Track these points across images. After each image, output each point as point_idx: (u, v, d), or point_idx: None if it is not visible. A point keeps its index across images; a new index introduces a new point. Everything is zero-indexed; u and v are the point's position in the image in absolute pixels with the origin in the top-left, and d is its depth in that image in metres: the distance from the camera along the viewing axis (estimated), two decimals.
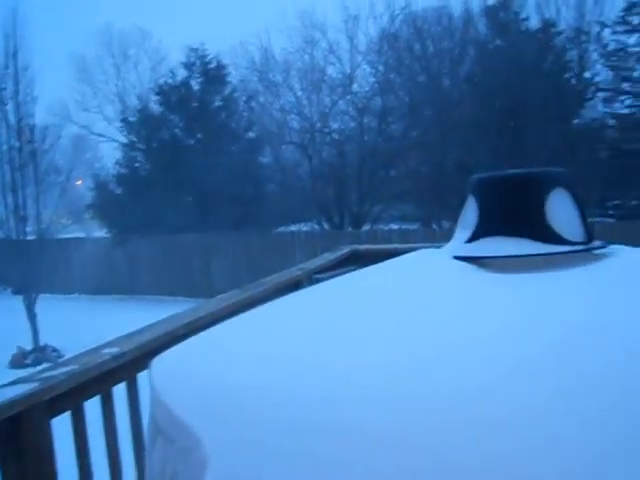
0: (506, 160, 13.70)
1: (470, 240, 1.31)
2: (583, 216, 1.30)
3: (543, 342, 0.92)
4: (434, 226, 17.20)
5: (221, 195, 18.11)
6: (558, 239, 1.24)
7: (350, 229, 18.40)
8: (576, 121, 18.51)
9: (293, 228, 19.03)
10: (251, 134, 20.89)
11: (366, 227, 18.33)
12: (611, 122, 19.07)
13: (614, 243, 1.37)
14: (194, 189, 18.42)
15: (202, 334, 1.20)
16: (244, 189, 18.52)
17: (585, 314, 1.01)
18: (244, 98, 20.87)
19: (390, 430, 0.80)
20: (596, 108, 18.87)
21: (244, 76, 20.88)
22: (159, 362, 1.17)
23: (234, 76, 20.86)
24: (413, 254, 1.43)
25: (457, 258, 1.29)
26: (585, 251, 1.25)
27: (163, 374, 1.12)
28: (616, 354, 0.87)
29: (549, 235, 1.23)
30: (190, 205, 18.73)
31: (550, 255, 1.21)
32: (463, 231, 1.35)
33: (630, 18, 18.94)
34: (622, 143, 19.01)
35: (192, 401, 0.97)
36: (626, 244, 1.38)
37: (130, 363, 2.19)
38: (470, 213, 1.34)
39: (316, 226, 19.30)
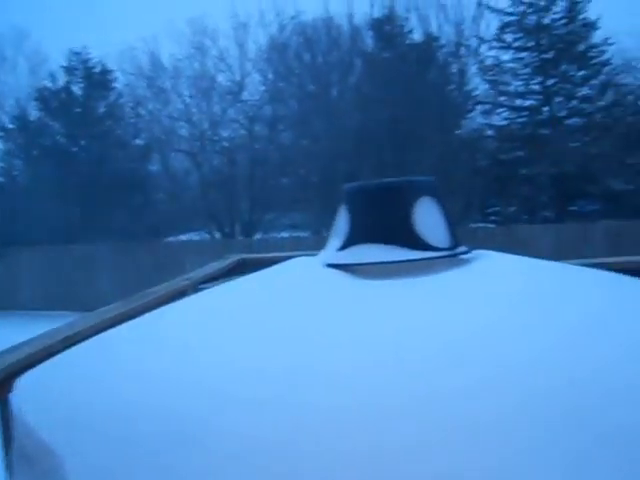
0: (393, 169, 14.11)
1: (342, 248, 1.34)
2: (449, 223, 1.35)
3: (405, 344, 0.95)
4: (325, 234, 17.46)
5: (108, 204, 17.53)
6: (425, 245, 1.28)
7: (241, 238, 18.31)
8: (458, 132, 19.35)
9: (183, 238, 18.70)
10: (139, 141, 20.37)
11: (258, 235, 18.31)
12: (490, 133, 20.09)
13: (495, 247, 1.44)
14: (79, 198, 17.72)
15: (67, 352, 1.15)
16: (132, 198, 18.03)
17: (447, 316, 1.06)
18: (131, 104, 20.33)
19: (261, 437, 0.81)
20: (476, 120, 19.84)
21: (131, 82, 20.35)
22: (22, 381, 1.12)
23: (121, 81, 20.31)
24: (287, 263, 1.45)
25: (329, 266, 1.31)
26: (450, 256, 1.31)
27: (25, 394, 1.07)
28: (467, 349, 0.91)
29: (416, 242, 1.28)
30: (75, 215, 18.00)
31: (417, 261, 1.26)
32: (335, 239, 1.38)
33: (504, 36, 20.08)
34: (500, 153, 20.07)
35: (54, 421, 0.93)
36: (506, 248, 1.45)
37: None
38: (342, 222, 1.37)
39: (207, 235, 19.07)
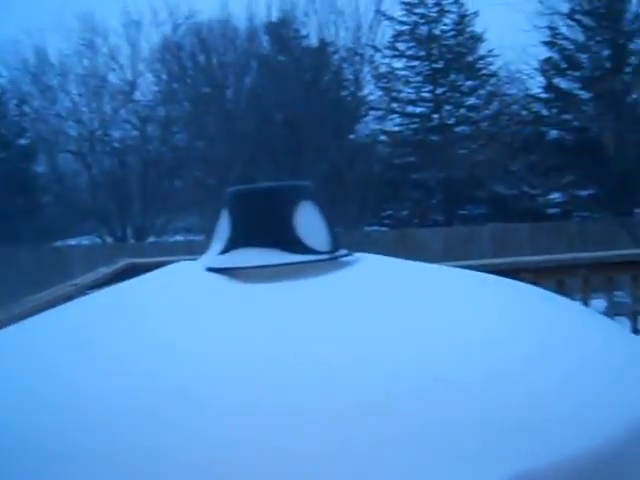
0: (288, 173, 14.17)
1: (223, 252, 1.32)
2: (329, 227, 1.37)
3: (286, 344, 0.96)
4: None
5: None
6: (305, 249, 1.29)
7: (133, 242, 17.81)
8: (352, 137, 19.72)
9: (72, 242, 17.97)
10: (23, 141, 19.41)
11: (151, 239, 17.87)
12: (383, 138, 20.62)
13: (388, 250, 1.46)
14: None
15: None
16: (15, 200, 17.13)
17: (327, 317, 1.07)
18: (15, 101, 19.33)
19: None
20: (369, 125, 20.30)
21: (15, 77, 19.33)
22: None
23: (4, 76, 19.26)
24: (167, 268, 1.42)
25: (210, 270, 1.29)
26: (331, 259, 1.32)
27: None
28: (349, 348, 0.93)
29: (297, 245, 1.29)
30: None
31: (298, 264, 1.26)
32: (217, 243, 1.36)
33: (397, 44, 20.69)
34: (393, 158, 20.64)
35: None
36: (399, 250, 1.48)
37: None
38: (224, 225, 1.36)
39: (98, 239, 18.40)
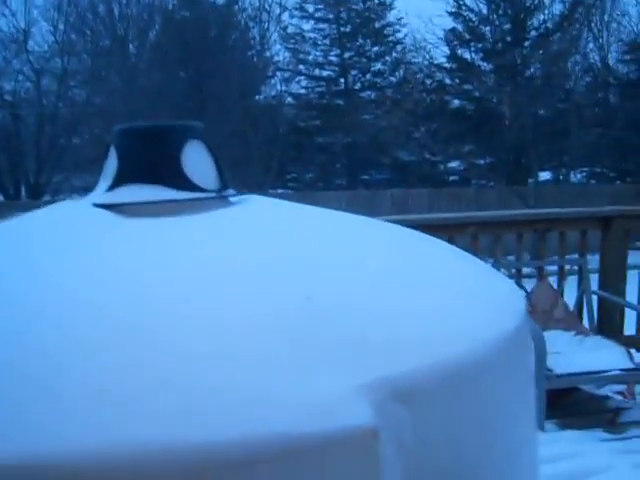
0: None
1: (110, 189, 1.32)
2: (218, 167, 1.39)
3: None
4: None
5: None
6: (193, 187, 1.31)
7: (28, 200, 17.02)
8: (258, 97, 19.55)
9: None
10: None
11: (46, 198, 17.12)
12: (289, 100, 20.57)
13: None
14: None
15: None
16: None
17: (210, 252, 1.10)
18: None
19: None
20: (276, 87, 20.17)
21: None
22: None
23: None
24: (54, 205, 1.40)
25: (96, 206, 1.29)
26: (218, 198, 1.35)
27: None
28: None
29: (184, 183, 1.30)
30: None
31: (185, 201, 1.28)
32: (104, 181, 1.35)
33: (306, 6, 20.55)
34: (298, 120, 20.65)
35: None
36: None
37: None
38: (111, 163, 1.35)
39: None
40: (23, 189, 17.67)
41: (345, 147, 20.30)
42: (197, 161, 1.34)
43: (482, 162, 20.71)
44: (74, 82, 18.26)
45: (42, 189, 17.44)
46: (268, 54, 19.94)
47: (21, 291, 0.97)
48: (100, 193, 1.35)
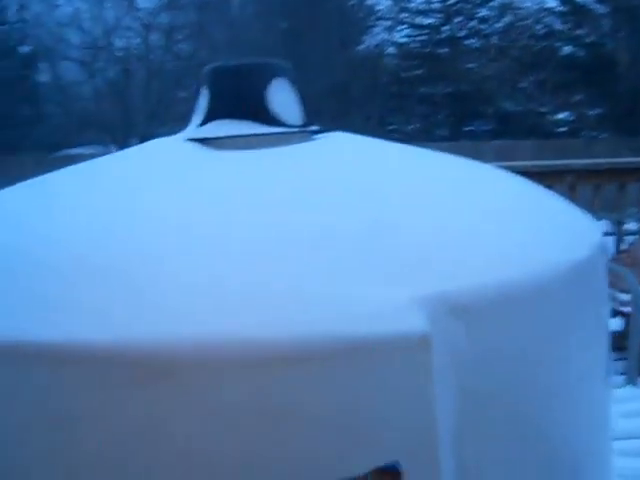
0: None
1: (201, 124, 1.42)
2: (302, 105, 1.46)
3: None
4: None
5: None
6: (278, 122, 1.39)
7: None
8: (359, 48, 19.30)
9: (76, 151, 17.96)
10: (25, 48, 19.07)
11: None
12: (391, 50, 20.19)
13: None
14: None
15: None
16: (18, 109, 17.03)
17: (298, 178, 1.18)
18: (15, 7, 18.87)
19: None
20: (377, 36, 19.82)
21: None
22: None
23: None
24: (150, 141, 1.52)
25: (189, 140, 1.39)
26: (301, 133, 1.42)
27: None
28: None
29: (270, 118, 1.38)
30: None
31: (270, 135, 1.36)
32: (197, 117, 1.45)
33: None
34: (400, 71, 20.27)
35: None
36: None
37: None
38: (202, 100, 1.45)
39: (101, 148, 18.38)
40: (133, 140, 18.46)
41: (448, 97, 19.79)
42: (282, 98, 1.42)
43: (593, 113, 19.62)
44: (180, 37, 18.71)
45: (151, 139, 18.12)
46: (369, 3, 19.58)
47: (123, 210, 1.08)
48: (192, 129, 1.45)
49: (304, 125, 1.45)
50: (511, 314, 0.93)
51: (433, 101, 20.14)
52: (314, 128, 1.47)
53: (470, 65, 19.97)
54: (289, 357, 0.77)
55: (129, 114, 18.01)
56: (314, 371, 0.78)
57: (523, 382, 0.99)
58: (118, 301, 0.82)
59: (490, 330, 0.90)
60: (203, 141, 1.37)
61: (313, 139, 1.43)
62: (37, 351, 0.77)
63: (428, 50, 20.38)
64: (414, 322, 0.80)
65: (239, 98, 1.40)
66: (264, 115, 1.38)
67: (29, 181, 1.41)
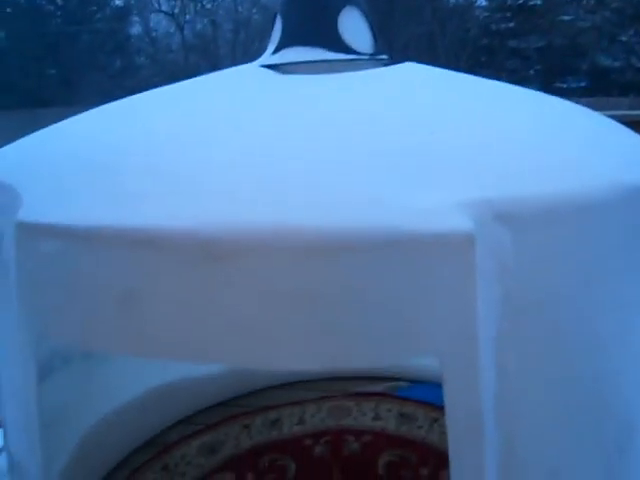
0: (378, 34, 13.80)
1: (275, 51, 1.48)
2: (373, 33, 1.50)
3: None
4: None
5: (86, 67, 17.12)
6: (349, 49, 1.43)
7: None
8: None
9: None
10: (118, 1, 19.59)
11: None
12: (481, 1, 19.51)
13: None
14: (55, 60, 17.26)
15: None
16: (112, 61, 17.60)
17: (363, 99, 1.24)
18: None
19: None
20: None
21: None
22: None
23: None
24: (227, 70, 1.60)
25: (263, 66, 1.46)
26: (371, 60, 1.46)
27: None
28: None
29: (341, 45, 1.43)
30: (53, 77, 17.60)
31: (340, 61, 1.41)
32: (271, 45, 1.52)
33: None
34: (490, 23, 19.59)
35: (12, 164, 1.12)
36: None
37: None
38: (276, 29, 1.51)
39: None
40: None
41: (540, 51, 19.00)
42: (353, 26, 1.46)
43: None
44: None
45: None
46: None
47: (194, 124, 1.17)
48: (266, 56, 1.52)
49: (375, 53, 1.48)
50: (559, 228, 0.95)
51: (524, 55, 19.39)
52: (384, 57, 1.51)
53: (565, 17, 19.04)
54: (340, 245, 0.83)
55: (216, 65, 18.29)
56: (361, 261, 0.85)
57: (569, 300, 1.01)
58: (185, 196, 0.91)
59: (537, 241, 0.94)
60: (276, 67, 1.44)
61: (382, 66, 1.47)
62: (114, 235, 0.87)
63: (520, 1, 19.55)
64: (460, 222, 0.85)
65: (311, 25, 1.45)
66: (335, 42, 1.43)
67: (117, 101, 1.52)
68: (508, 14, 19.59)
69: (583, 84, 19.92)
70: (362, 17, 1.49)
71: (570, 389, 1.10)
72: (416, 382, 2.30)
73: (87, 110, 1.48)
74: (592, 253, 1.02)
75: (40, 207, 0.98)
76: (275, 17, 1.54)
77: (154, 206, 0.90)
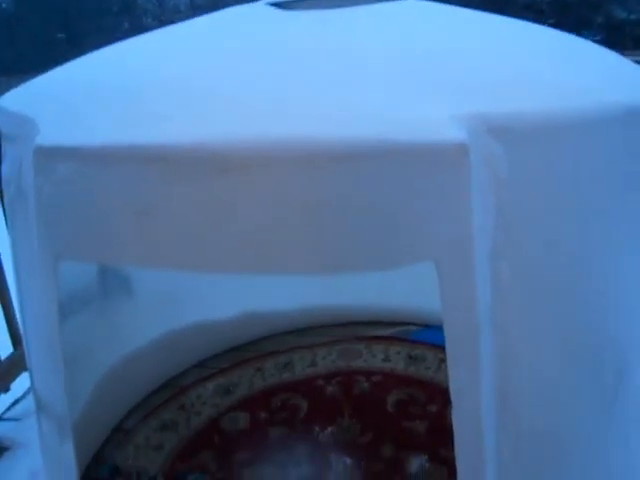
0: None
1: None
2: None
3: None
4: None
5: (94, 29, 17.02)
6: None
7: None
8: None
9: None
10: None
11: None
12: None
13: None
14: (64, 23, 17.18)
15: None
16: (119, 22, 17.49)
17: (367, 31, 1.27)
18: None
19: None
20: None
21: None
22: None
23: None
24: (233, 8, 1.63)
25: (270, 5, 1.50)
26: None
27: (7, 96, 1.30)
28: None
29: None
30: (62, 42, 17.54)
31: None
32: None
33: None
34: None
35: (29, 97, 1.17)
36: None
37: None
38: None
39: None
40: None
41: (553, 4, 18.64)
42: None
43: None
44: None
45: None
46: None
47: (205, 55, 1.21)
48: None
49: None
50: (553, 144, 0.99)
51: (537, 9, 19.03)
52: None
53: None
54: (340, 154, 0.88)
55: None
56: (362, 170, 0.90)
57: (563, 217, 1.04)
58: (195, 116, 0.97)
59: (530, 156, 0.98)
60: (280, 5, 1.48)
61: (382, 2, 1.49)
62: (126, 153, 0.94)
63: None
64: (454, 133, 0.89)
65: None
66: None
67: (130, 39, 1.56)
68: None
69: (598, 37, 19.56)
70: None
71: (565, 308, 1.13)
72: (426, 326, 2.35)
73: None
74: (587, 171, 1.05)
75: (56, 132, 1.03)
76: None
77: (165, 125, 0.95)
